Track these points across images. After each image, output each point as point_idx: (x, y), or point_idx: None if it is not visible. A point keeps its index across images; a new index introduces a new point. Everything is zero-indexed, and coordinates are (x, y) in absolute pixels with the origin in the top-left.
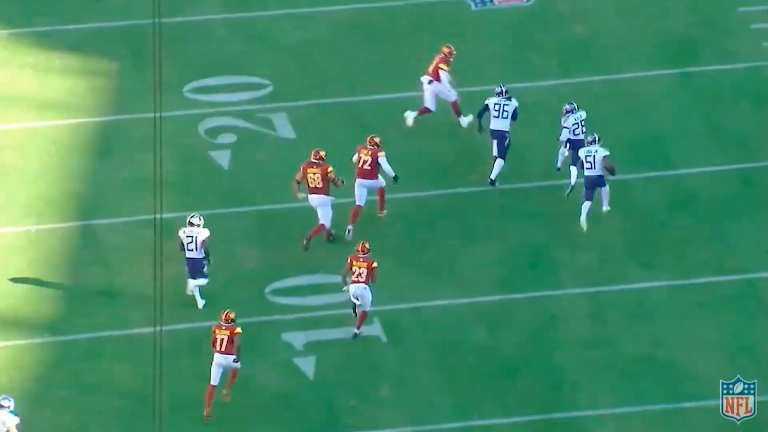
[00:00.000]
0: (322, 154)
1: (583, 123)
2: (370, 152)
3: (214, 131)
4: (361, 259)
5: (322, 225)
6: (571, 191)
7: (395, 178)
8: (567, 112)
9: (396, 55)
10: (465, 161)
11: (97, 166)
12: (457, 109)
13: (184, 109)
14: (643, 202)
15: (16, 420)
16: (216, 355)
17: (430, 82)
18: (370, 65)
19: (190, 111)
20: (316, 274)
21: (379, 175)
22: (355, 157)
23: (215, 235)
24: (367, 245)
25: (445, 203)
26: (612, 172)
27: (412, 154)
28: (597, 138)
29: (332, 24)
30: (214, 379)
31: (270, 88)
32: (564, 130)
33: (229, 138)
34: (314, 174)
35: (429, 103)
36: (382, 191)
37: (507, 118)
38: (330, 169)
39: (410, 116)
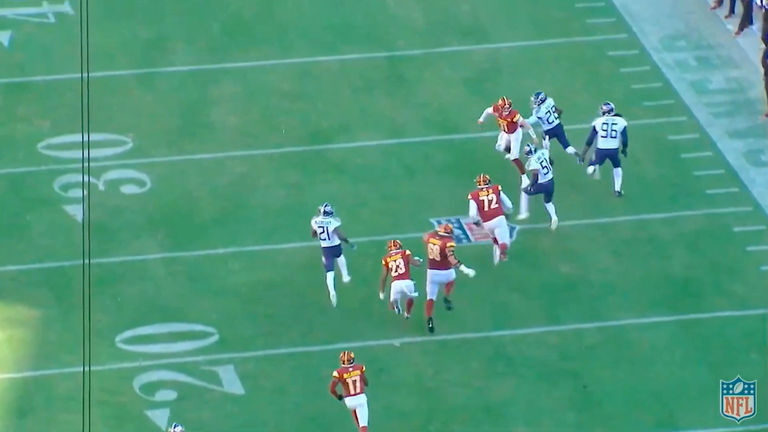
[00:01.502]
0: (451, 227)
1: (554, 109)
2: (490, 190)
3: (151, 387)
4: (394, 254)
5: (431, 300)
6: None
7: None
8: (536, 104)
9: (358, 300)
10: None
11: (14, 428)
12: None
13: (117, 361)
14: None
15: None
16: (349, 399)
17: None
18: (327, 310)
19: (123, 364)
20: None
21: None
22: (471, 208)
23: None
24: (398, 242)
25: None
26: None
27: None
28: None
29: (286, 263)
30: (363, 420)
31: (215, 337)
32: (537, 120)
33: (168, 395)
34: (434, 245)
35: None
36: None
37: (616, 137)
38: (450, 243)
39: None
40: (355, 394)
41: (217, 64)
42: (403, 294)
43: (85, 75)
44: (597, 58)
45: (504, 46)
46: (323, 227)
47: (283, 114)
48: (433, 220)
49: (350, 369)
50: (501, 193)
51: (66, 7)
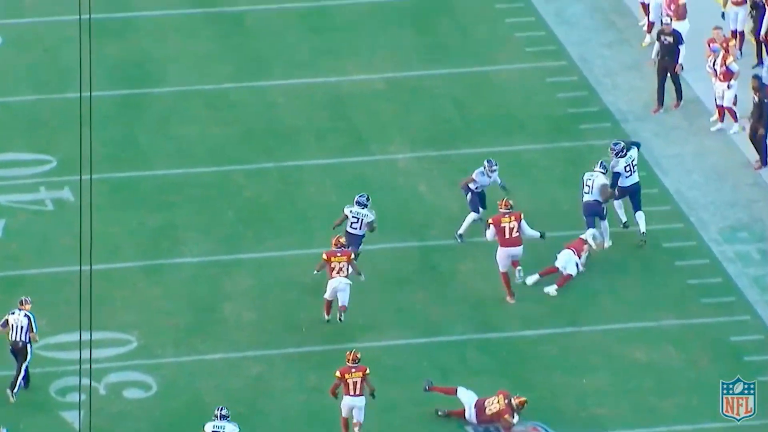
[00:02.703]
0: (342, 241)
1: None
2: (512, 217)
3: None
4: (339, 254)
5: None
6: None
7: (542, 235)
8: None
9: None
10: None
11: None
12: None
13: None
14: None
15: (235, 431)
16: (348, 398)
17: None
18: None
19: None
20: None
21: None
22: (490, 232)
23: None
24: (342, 239)
25: None
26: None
27: None
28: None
29: None
30: (346, 414)
31: None
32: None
33: None
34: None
35: None
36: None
37: (636, 170)
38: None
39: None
40: (355, 395)
41: (231, 254)
42: (337, 294)
43: (85, 267)
44: (651, 249)
45: (546, 236)
46: (358, 218)
47: (303, 310)
48: (468, 428)
49: (353, 370)
50: (523, 221)
51: (66, 193)
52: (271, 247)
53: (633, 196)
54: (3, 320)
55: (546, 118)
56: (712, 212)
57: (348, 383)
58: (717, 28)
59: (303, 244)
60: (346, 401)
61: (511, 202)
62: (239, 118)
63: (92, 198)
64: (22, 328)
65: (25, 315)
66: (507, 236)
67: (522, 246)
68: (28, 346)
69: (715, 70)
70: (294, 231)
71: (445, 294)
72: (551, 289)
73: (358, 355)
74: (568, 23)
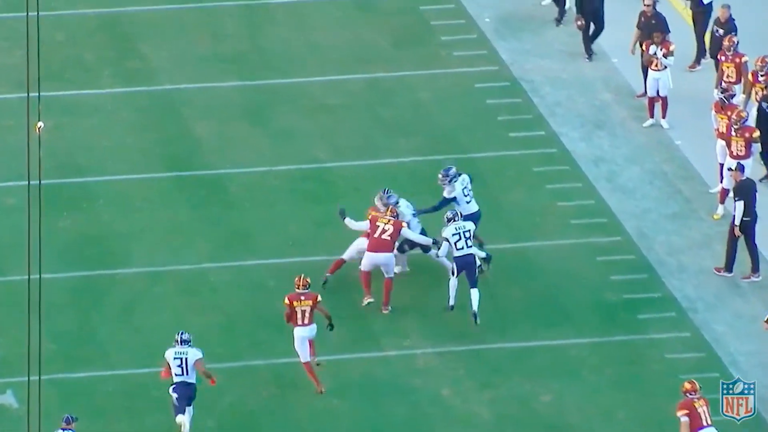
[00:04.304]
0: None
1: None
2: (392, 222)
3: None
4: None
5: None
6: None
7: (435, 242)
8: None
9: None
10: None
11: None
12: None
13: None
14: None
15: (199, 355)
16: (300, 329)
17: None
18: None
19: None
20: None
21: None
22: (365, 224)
23: None
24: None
25: None
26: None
27: None
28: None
29: None
30: (305, 356)
31: None
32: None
33: None
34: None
35: None
36: (389, 283)
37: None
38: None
39: None
40: (304, 324)
41: None
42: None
43: None
44: None
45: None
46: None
47: None
48: None
49: (302, 297)
50: (404, 229)
51: (8, 399)
52: None
53: (475, 224)
54: None
55: (596, 306)
56: None
57: (296, 312)
58: None
59: None
60: (298, 333)
61: (396, 211)
62: (220, 304)
63: (41, 404)
64: None
65: None
66: (376, 236)
67: (391, 255)
68: None
69: None
70: None
71: None
72: None
73: (308, 280)
74: (623, 190)
